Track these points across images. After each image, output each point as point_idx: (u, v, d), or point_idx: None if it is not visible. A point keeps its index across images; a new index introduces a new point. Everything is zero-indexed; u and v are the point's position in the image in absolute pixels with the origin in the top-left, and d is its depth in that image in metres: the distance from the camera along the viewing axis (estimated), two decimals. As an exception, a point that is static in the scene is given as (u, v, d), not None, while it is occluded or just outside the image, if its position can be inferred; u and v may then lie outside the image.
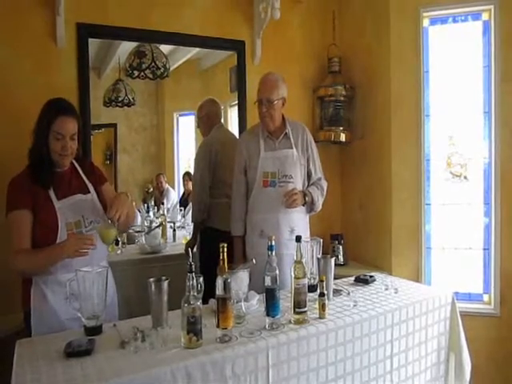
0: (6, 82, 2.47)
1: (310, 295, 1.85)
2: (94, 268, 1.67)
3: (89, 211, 1.89)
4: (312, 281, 2.03)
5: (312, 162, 2.52)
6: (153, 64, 3.38)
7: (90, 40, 2.72)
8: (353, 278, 2.34)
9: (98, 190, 1.99)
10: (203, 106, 3.10)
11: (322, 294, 1.78)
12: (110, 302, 1.82)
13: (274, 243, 1.71)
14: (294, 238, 1.81)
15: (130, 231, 3.13)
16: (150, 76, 3.46)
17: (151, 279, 1.66)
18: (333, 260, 2.03)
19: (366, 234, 3.33)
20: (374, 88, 3.20)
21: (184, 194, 3.92)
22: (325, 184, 2.55)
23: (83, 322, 1.63)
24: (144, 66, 3.38)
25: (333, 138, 3.35)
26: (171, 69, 3.54)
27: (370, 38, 3.22)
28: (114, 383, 1.31)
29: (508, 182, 2.83)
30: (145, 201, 3.71)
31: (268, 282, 1.68)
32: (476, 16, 2.92)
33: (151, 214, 3.52)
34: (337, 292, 2.09)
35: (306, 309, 1.73)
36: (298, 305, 1.71)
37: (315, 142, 2.63)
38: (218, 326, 1.56)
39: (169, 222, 3.48)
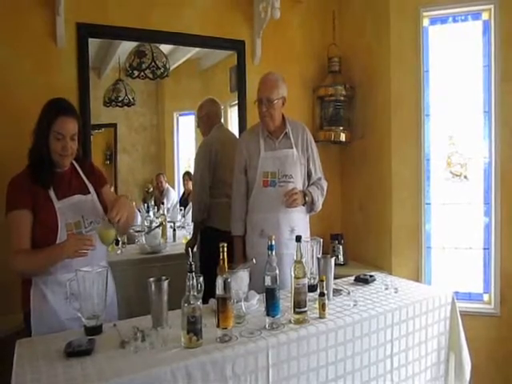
0: (5, 81, 2.47)
1: (310, 295, 1.85)
2: (93, 268, 1.67)
3: (89, 212, 1.89)
4: (312, 280, 2.03)
5: (312, 161, 2.52)
6: (153, 64, 3.38)
7: (90, 40, 2.72)
8: (353, 278, 2.34)
9: (98, 191, 1.98)
10: (203, 105, 3.10)
11: (322, 294, 1.78)
12: (109, 302, 1.82)
13: (274, 243, 1.71)
14: (294, 237, 1.81)
15: (130, 231, 3.13)
16: (150, 76, 3.45)
17: (151, 279, 1.66)
18: (333, 260, 2.03)
19: (366, 233, 3.33)
20: (374, 88, 3.20)
21: (184, 193, 3.92)
22: (325, 184, 2.55)
23: (83, 321, 1.63)
24: (144, 66, 3.37)
25: (333, 138, 3.35)
26: (171, 69, 3.53)
27: (370, 38, 3.22)
28: (114, 383, 1.31)
29: (508, 181, 2.83)
30: (145, 201, 3.70)
31: (268, 281, 1.68)
32: (476, 16, 2.92)
33: (151, 213, 3.51)
34: (337, 292, 2.09)
35: (306, 308, 1.73)
36: (298, 304, 1.71)
37: (315, 141, 2.63)
38: (218, 326, 1.56)
39: (169, 221, 3.48)
